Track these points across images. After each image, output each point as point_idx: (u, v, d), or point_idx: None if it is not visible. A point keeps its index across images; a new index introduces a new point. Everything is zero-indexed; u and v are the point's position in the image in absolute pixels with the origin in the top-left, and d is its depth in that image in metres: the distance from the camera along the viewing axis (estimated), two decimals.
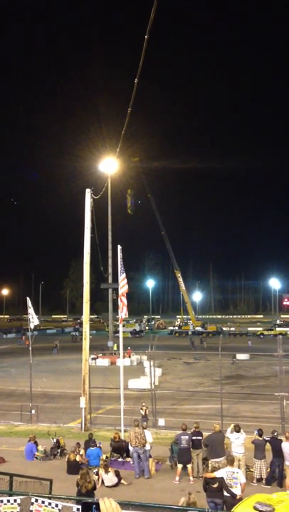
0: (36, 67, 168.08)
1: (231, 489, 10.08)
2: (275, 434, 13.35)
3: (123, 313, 17.08)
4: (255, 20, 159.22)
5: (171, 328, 79.30)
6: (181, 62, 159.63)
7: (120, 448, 14.94)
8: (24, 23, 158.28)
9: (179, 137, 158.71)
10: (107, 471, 12.71)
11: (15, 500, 7.86)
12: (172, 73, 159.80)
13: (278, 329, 65.99)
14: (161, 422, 18.01)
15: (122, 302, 17.37)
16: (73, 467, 13.19)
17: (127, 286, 17.53)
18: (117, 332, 37.84)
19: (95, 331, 58.92)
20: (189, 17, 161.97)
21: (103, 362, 37.66)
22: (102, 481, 12.65)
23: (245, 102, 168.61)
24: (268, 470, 12.80)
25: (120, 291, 17.31)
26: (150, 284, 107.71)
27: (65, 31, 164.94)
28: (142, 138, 78.57)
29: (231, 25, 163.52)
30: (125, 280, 17.51)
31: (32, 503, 7.73)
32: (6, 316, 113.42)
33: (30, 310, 20.56)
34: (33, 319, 20.61)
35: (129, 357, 37.75)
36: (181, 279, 76.62)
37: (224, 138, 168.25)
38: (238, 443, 12.92)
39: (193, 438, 13.42)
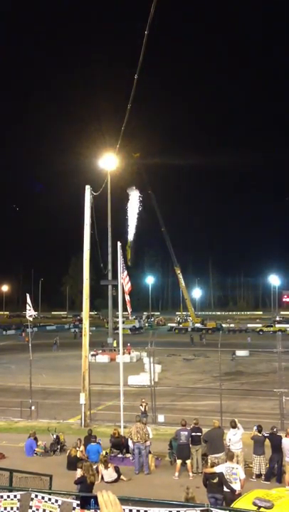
0: (35, 63, 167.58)
1: (231, 485, 10.13)
2: (275, 430, 13.39)
3: (129, 309, 17.36)
4: (257, 14, 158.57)
5: (171, 324, 79.36)
6: (182, 57, 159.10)
7: (120, 444, 15.00)
8: (23, 19, 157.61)
9: (179, 133, 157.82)
10: (106, 467, 12.76)
11: (15, 496, 7.91)
12: (173, 69, 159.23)
13: (278, 326, 66.09)
14: (161, 418, 18.08)
15: (127, 299, 17.54)
16: (73, 463, 13.22)
17: (130, 283, 17.66)
18: (117, 329, 37.89)
19: (94, 328, 58.97)
20: (190, 12, 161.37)
21: (103, 358, 37.73)
22: (102, 477, 12.71)
23: (246, 98, 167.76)
24: (267, 466, 12.85)
25: (125, 289, 17.41)
26: (150, 280, 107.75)
27: (65, 27, 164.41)
28: (142, 134, 78.48)
29: (232, 20, 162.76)
30: (128, 277, 17.60)
31: (32, 499, 7.78)
32: (5, 313, 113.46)
33: (29, 305, 20.97)
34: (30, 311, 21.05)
35: (129, 353, 37.81)
36: (180, 276, 76.64)
37: (225, 134, 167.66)
38: (235, 439, 12.96)
39: (193, 434, 13.47)
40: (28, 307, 21.17)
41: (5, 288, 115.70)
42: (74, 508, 7.51)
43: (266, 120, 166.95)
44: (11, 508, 7.77)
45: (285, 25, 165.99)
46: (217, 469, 10.37)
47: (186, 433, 13.35)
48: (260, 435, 13.10)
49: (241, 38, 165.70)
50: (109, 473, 12.74)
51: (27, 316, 21.75)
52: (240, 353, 37.04)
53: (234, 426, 13.11)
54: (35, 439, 15.38)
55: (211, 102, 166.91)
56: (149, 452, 13.91)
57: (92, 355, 34.27)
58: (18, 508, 7.77)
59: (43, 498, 7.75)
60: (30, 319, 22.10)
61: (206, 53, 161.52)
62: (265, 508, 8.19)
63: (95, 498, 2.36)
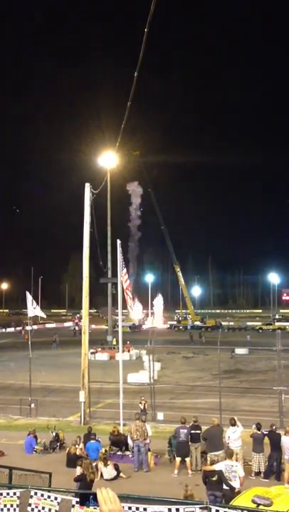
0: (35, 60, 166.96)
1: (230, 482, 10.14)
2: (274, 428, 13.42)
3: (129, 306, 17.47)
4: (257, 14, 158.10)
5: (170, 322, 79.39)
6: (182, 54, 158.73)
7: (119, 441, 15.01)
8: (22, 15, 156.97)
9: (179, 131, 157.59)
10: (106, 465, 12.79)
11: (14, 493, 7.92)
12: (173, 67, 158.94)
13: (277, 324, 66.10)
14: (160, 415, 18.09)
15: (128, 296, 17.55)
16: (73, 460, 13.24)
17: (129, 280, 17.70)
18: (117, 326, 37.88)
19: (94, 325, 59.00)
20: (190, 8, 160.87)
21: (102, 356, 37.74)
22: (101, 474, 12.73)
23: (247, 95, 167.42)
24: (266, 464, 12.87)
25: (124, 286, 17.43)
26: (149, 278, 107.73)
27: (64, 23, 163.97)
28: (142, 132, 78.35)
29: (232, 16, 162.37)
30: (127, 275, 17.64)
31: (31, 496, 7.79)
32: (5, 311, 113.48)
33: (33, 303, 20.74)
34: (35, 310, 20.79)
35: (129, 351, 37.81)
36: (180, 274, 76.74)
37: (225, 132, 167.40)
38: (234, 437, 12.98)
39: (192, 432, 13.49)
40: (32, 305, 20.50)
41: (4, 286, 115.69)
42: (73, 506, 7.51)
43: (266, 120, 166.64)
44: (11, 506, 7.78)
45: (285, 25, 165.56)
46: (216, 467, 10.39)
47: (185, 431, 13.37)
48: (260, 433, 13.12)
49: (241, 37, 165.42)
50: (108, 471, 12.76)
51: (35, 314, 20.72)
52: (240, 351, 37.05)
53: (233, 424, 13.13)
54: (35, 436, 15.40)
55: (211, 101, 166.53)
56: (149, 450, 13.94)
57: (92, 353, 34.29)
58: (17, 506, 7.78)
59: (42, 495, 7.76)
60: (42, 315, 21.73)
61: (207, 52, 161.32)
62: (264, 505, 8.21)
63: (95, 495, 2.37)
